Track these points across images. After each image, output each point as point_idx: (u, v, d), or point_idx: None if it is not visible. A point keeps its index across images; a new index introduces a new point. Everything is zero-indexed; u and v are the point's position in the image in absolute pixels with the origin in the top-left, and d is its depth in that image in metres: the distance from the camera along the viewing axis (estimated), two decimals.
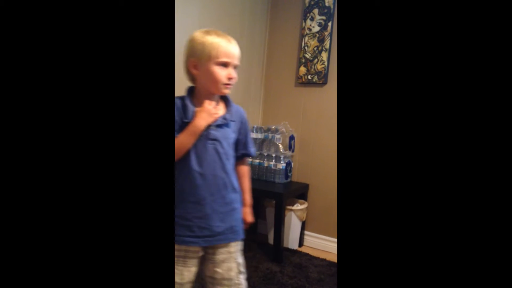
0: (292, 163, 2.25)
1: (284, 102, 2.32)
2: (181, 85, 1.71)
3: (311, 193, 2.25)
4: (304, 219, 2.18)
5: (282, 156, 2.13)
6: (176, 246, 0.95)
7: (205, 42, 0.94)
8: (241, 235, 1.04)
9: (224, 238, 0.99)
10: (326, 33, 2.11)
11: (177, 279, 0.97)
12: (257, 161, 2.19)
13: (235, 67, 0.97)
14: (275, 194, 1.94)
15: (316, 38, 2.15)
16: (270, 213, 2.15)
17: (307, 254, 2.06)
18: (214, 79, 0.93)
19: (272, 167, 2.13)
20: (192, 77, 1.00)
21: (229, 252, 1.02)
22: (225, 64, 0.94)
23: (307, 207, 2.19)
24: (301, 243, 2.23)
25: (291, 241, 2.14)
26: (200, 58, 0.94)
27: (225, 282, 1.01)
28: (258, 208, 2.40)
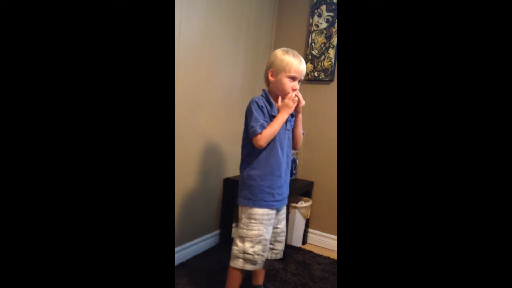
0: (297, 161, 2.24)
1: None
2: (184, 83, 1.70)
3: (315, 191, 2.24)
4: (308, 217, 2.17)
5: None
6: (265, 211, 1.28)
7: (284, 59, 1.28)
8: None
9: (285, 201, 1.38)
10: (334, 30, 2.09)
11: (266, 236, 1.29)
12: None
13: (299, 81, 1.31)
14: None
15: (324, 35, 2.13)
16: None
17: (310, 252, 2.06)
18: (282, 88, 1.28)
19: None
20: (268, 82, 1.34)
21: (284, 212, 1.42)
22: (293, 78, 1.28)
23: (311, 205, 2.18)
24: (304, 241, 2.23)
25: (295, 238, 2.14)
26: (277, 69, 1.28)
27: (282, 234, 1.42)
28: None
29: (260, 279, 1.49)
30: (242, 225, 1.30)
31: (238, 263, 1.29)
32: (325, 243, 2.20)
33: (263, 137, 1.22)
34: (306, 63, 2.20)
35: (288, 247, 2.05)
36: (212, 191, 2.00)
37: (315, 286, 1.63)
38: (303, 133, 1.41)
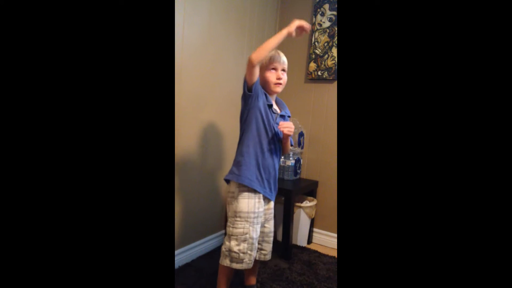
0: (301, 160, 2.23)
1: (293, 98, 2.31)
2: (188, 82, 1.70)
3: (320, 190, 2.23)
4: (313, 216, 2.17)
5: (291, 153, 2.12)
6: (250, 205, 1.29)
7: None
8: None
9: (272, 197, 1.40)
10: (337, 29, 2.08)
11: (252, 234, 1.29)
12: None
13: (283, 70, 1.36)
14: (284, 191, 1.93)
15: (327, 34, 2.12)
16: (279, 210, 2.14)
17: (315, 251, 2.05)
18: (267, 81, 1.34)
19: (281, 164, 2.12)
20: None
21: (272, 212, 1.42)
22: (274, 69, 1.34)
23: (316, 204, 2.18)
24: (309, 240, 2.22)
25: (300, 238, 2.14)
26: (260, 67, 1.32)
27: (270, 234, 1.43)
28: None
29: (252, 280, 1.49)
30: (228, 223, 1.32)
31: (226, 261, 1.30)
32: (330, 242, 2.19)
33: (255, 52, 1.26)
34: (310, 62, 2.20)
35: (293, 247, 2.05)
36: (217, 191, 2.00)
37: (321, 286, 1.63)
38: (291, 144, 1.44)
